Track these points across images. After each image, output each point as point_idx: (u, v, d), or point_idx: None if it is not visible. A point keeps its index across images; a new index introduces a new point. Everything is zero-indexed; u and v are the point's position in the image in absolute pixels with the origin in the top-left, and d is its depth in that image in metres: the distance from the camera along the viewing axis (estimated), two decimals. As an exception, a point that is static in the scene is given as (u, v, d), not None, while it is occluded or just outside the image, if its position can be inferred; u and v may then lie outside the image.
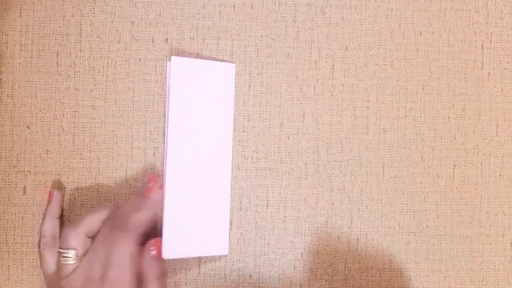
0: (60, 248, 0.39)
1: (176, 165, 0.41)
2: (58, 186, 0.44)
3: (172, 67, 0.41)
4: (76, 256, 0.38)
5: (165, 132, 0.43)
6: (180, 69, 0.41)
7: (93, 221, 0.39)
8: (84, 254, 0.39)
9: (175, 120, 0.41)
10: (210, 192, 0.42)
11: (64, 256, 0.38)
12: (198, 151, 0.42)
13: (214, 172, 0.43)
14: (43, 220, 0.41)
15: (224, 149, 0.43)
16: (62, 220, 0.43)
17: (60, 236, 0.39)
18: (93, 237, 0.40)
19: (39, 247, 0.40)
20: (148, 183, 0.42)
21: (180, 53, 0.44)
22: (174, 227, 0.41)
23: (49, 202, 0.42)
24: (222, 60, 0.44)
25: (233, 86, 0.44)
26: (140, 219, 0.39)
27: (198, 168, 0.42)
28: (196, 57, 0.44)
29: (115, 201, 0.44)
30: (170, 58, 0.43)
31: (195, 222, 0.42)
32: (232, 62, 0.44)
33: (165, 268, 0.43)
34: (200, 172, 0.42)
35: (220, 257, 0.44)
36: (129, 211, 0.40)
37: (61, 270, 0.38)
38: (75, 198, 0.44)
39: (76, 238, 0.38)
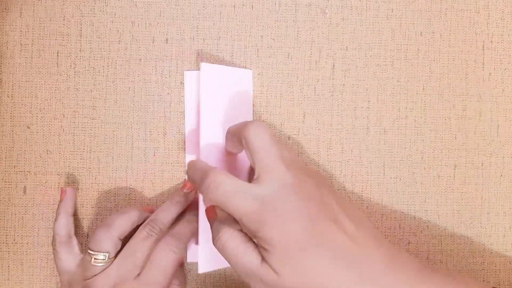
0: (91, 249, 0.39)
1: None
2: (72, 183, 0.44)
3: (201, 74, 0.40)
4: (108, 258, 0.38)
5: (198, 139, 0.42)
6: (208, 75, 0.41)
7: (124, 224, 0.39)
8: (115, 256, 0.39)
9: (206, 128, 0.41)
10: None
11: (95, 258, 0.38)
12: (228, 159, 0.42)
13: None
14: (56, 218, 0.41)
15: None
16: (76, 217, 0.44)
17: (92, 238, 0.39)
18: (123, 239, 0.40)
19: (53, 245, 0.40)
20: (182, 189, 0.42)
21: (181, 53, 0.44)
22: (209, 240, 0.40)
23: (62, 199, 0.42)
24: (239, 66, 0.44)
25: (251, 91, 0.44)
26: (190, 230, 0.41)
27: None
28: (219, 63, 0.44)
29: (115, 201, 0.44)
30: (198, 65, 0.44)
31: None
32: (250, 68, 0.44)
33: (185, 277, 0.44)
34: None
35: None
36: (167, 217, 0.40)
37: (88, 270, 0.38)
38: (75, 198, 0.44)
39: (109, 241, 0.38)
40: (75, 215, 0.43)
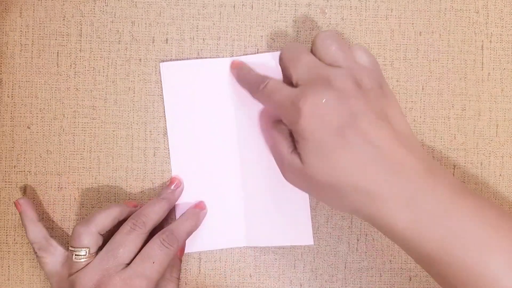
0: (71, 246, 0.39)
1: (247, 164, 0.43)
2: (72, 183, 0.44)
3: (162, 75, 0.41)
4: (89, 253, 0.39)
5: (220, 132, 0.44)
6: (170, 74, 0.42)
7: (105, 219, 0.40)
8: (97, 251, 0.39)
9: (174, 132, 0.43)
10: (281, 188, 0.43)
11: (76, 254, 0.38)
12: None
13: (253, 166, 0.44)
14: (26, 229, 0.41)
15: (232, 148, 0.43)
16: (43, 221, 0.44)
17: (72, 234, 0.39)
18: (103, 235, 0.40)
19: (35, 252, 0.40)
20: (170, 186, 0.43)
21: (181, 53, 0.44)
22: (254, 215, 0.42)
23: (21, 211, 0.41)
24: (217, 57, 0.44)
25: (227, 79, 0.43)
26: (187, 229, 0.41)
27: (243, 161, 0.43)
28: (188, 58, 0.44)
29: (115, 201, 0.44)
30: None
31: (274, 212, 0.43)
32: (229, 57, 0.44)
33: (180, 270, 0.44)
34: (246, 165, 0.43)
35: (220, 257, 0.44)
36: (152, 212, 0.40)
37: (72, 267, 0.39)
38: (75, 198, 0.44)
39: (89, 236, 0.39)
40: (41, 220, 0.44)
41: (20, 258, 0.44)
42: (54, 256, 0.40)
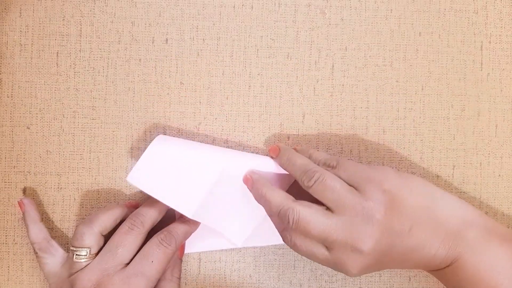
0: (73, 246, 0.39)
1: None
2: (72, 183, 0.44)
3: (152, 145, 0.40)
4: (90, 254, 0.39)
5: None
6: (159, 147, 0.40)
7: (107, 220, 0.40)
8: (98, 251, 0.39)
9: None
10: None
11: (77, 254, 0.39)
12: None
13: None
14: (28, 229, 0.41)
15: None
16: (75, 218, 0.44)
17: (74, 234, 0.40)
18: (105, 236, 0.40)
19: (35, 253, 0.41)
20: None
21: (181, 53, 0.44)
22: (254, 216, 0.42)
23: (24, 211, 0.42)
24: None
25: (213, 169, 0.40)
26: (186, 230, 0.41)
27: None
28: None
29: (115, 201, 0.44)
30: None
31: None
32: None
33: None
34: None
35: (220, 257, 0.44)
36: (150, 211, 0.40)
37: (72, 267, 0.39)
38: (75, 199, 0.44)
39: (91, 236, 0.39)
40: (82, 215, 0.43)
41: (19, 258, 0.44)
42: (54, 257, 0.40)
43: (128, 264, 0.38)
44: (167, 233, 0.40)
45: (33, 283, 0.44)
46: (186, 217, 0.41)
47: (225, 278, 0.44)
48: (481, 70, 0.45)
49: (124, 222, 0.40)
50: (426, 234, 0.36)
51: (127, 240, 0.39)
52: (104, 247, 0.39)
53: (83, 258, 0.38)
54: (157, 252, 0.38)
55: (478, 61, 0.45)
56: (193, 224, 0.42)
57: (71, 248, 0.39)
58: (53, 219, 0.44)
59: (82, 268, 0.38)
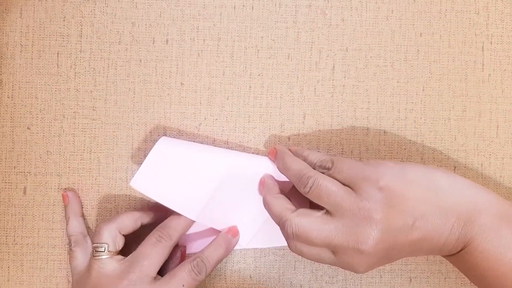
0: (93, 242, 0.40)
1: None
2: (72, 184, 0.44)
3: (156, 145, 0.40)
4: (108, 250, 0.39)
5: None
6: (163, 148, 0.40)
7: (127, 219, 0.41)
8: (117, 252, 0.40)
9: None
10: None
11: (96, 250, 0.39)
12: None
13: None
14: (68, 222, 0.42)
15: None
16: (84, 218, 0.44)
17: (94, 231, 0.40)
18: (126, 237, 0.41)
19: (70, 245, 0.41)
20: None
21: (181, 54, 0.44)
22: (254, 217, 0.43)
23: (67, 204, 0.43)
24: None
25: (218, 168, 0.41)
26: (219, 258, 0.42)
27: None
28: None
29: (115, 202, 0.44)
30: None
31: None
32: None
33: None
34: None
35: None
36: (179, 224, 0.41)
37: (92, 267, 0.39)
38: (79, 199, 0.44)
39: (108, 232, 0.40)
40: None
41: (19, 259, 0.44)
42: (85, 253, 0.41)
43: (153, 276, 0.39)
44: (200, 261, 0.40)
45: (33, 284, 0.44)
46: (220, 243, 0.41)
47: (225, 279, 0.44)
48: (482, 70, 0.45)
49: (152, 233, 0.40)
50: (432, 224, 0.35)
51: (154, 252, 0.39)
52: (130, 256, 0.40)
53: (103, 254, 0.39)
54: (186, 278, 0.39)
55: (479, 62, 0.45)
56: (226, 251, 0.42)
57: (93, 245, 0.40)
58: (53, 219, 0.44)
59: (107, 274, 0.39)
